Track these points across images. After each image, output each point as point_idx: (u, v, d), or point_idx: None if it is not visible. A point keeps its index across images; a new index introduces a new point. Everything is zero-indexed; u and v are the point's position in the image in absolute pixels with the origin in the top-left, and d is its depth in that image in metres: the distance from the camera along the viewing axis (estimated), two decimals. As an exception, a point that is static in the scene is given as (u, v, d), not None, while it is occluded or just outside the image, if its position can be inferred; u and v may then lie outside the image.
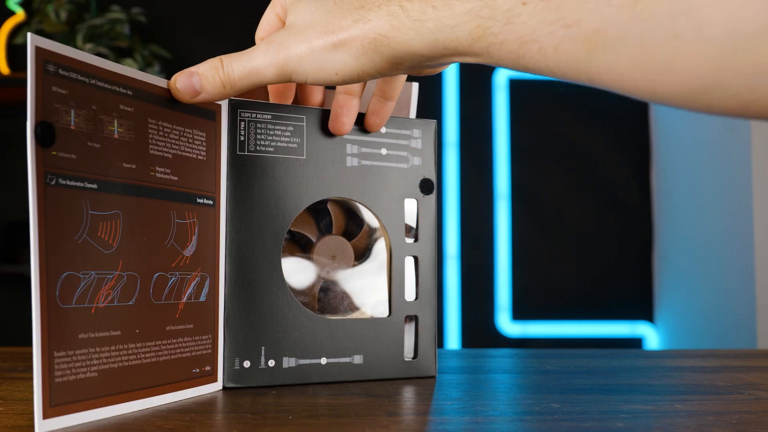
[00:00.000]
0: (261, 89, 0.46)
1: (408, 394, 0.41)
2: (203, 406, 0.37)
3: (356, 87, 0.43)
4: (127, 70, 0.36)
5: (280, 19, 0.40)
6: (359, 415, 0.35)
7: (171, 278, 0.38)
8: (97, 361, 0.33)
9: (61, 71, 0.32)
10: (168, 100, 0.39)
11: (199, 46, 2.00)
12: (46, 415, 0.30)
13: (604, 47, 0.28)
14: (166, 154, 0.38)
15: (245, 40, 0.43)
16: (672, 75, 0.27)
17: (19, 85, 1.87)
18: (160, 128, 0.38)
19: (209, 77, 0.38)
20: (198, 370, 0.40)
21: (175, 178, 0.39)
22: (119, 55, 1.82)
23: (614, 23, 0.27)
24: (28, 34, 0.31)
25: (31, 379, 0.45)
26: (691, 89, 0.27)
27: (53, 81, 0.32)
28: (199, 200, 0.41)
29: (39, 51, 0.31)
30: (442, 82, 2.04)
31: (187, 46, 1.99)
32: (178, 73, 0.39)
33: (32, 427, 0.32)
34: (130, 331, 0.36)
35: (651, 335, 2.00)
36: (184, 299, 0.39)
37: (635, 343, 2.02)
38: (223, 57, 0.38)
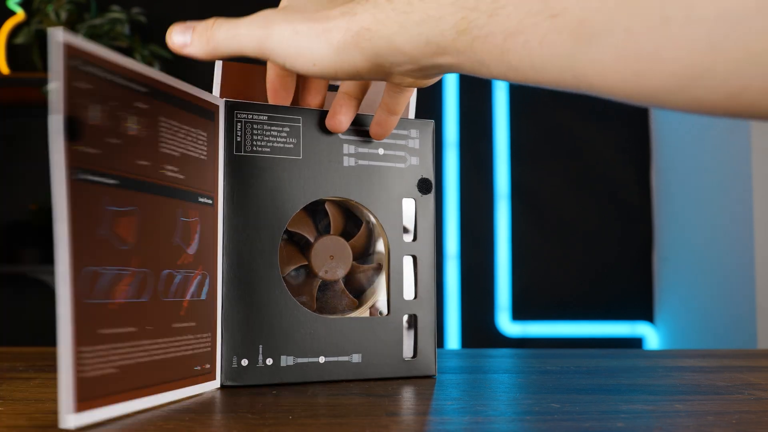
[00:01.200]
0: (259, 86, 0.46)
1: (408, 394, 0.41)
2: (203, 406, 0.37)
3: (357, 90, 0.43)
4: (144, 68, 0.37)
5: None
6: (359, 415, 0.35)
7: (177, 276, 0.39)
8: (115, 357, 0.33)
9: (86, 67, 0.32)
10: (179, 99, 0.39)
11: (199, 46, 1.99)
12: (76, 410, 0.30)
13: (590, 38, 0.27)
14: (174, 153, 0.39)
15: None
16: (659, 63, 0.26)
17: (19, 85, 1.87)
18: (170, 126, 0.38)
19: (199, 32, 0.38)
20: (199, 368, 0.40)
21: (182, 177, 0.39)
22: (119, 55, 1.82)
23: (602, 11, 0.27)
24: (53, 30, 0.31)
25: (31, 378, 0.45)
26: (679, 78, 0.26)
27: (79, 77, 0.32)
28: (200, 199, 0.41)
29: (67, 47, 0.31)
30: (442, 81, 2.04)
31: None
32: (178, 23, 0.39)
33: (32, 427, 0.32)
34: (144, 327, 0.36)
35: (651, 335, 2.00)
36: (188, 297, 0.40)
37: (635, 343, 2.02)
38: (219, 18, 0.38)
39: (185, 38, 0.39)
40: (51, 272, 1.82)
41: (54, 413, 0.35)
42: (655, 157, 2.04)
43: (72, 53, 0.31)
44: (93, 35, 1.76)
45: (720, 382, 0.46)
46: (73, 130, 0.31)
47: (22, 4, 1.92)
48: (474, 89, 2.05)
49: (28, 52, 1.91)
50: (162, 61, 1.89)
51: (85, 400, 0.31)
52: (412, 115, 0.50)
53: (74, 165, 0.31)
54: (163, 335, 0.37)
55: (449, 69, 0.34)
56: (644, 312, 2.03)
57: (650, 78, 0.27)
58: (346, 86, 0.43)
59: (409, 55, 0.34)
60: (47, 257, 1.87)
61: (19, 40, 1.83)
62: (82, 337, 0.31)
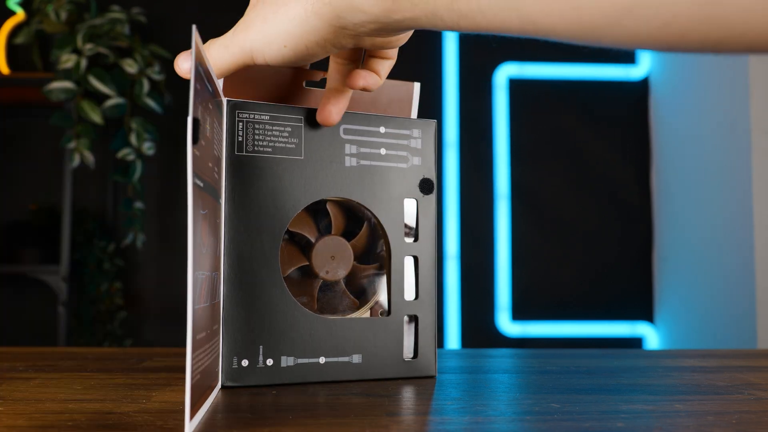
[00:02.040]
0: (261, 85, 0.46)
1: (408, 394, 0.41)
2: (203, 406, 0.37)
3: (342, 82, 0.43)
4: (210, 64, 0.36)
5: None
6: (359, 415, 0.35)
7: (215, 277, 0.39)
8: (199, 362, 0.33)
9: (198, 67, 0.32)
10: (219, 99, 0.39)
11: (199, 46, 1.99)
12: (191, 417, 0.30)
13: None
14: (217, 153, 0.39)
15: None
16: None
17: (19, 85, 1.87)
18: (215, 127, 0.38)
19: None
20: (217, 370, 0.40)
21: (217, 178, 0.39)
22: (119, 55, 1.82)
23: None
24: (194, 29, 0.30)
25: (31, 379, 0.45)
26: (614, 9, 0.27)
27: (197, 77, 0.31)
28: (219, 200, 0.41)
29: (198, 52, 0.31)
30: (442, 82, 2.04)
31: (187, 46, 1.97)
32: (182, 52, 0.40)
33: (32, 427, 0.32)
34: (209, 331, 0.36)
35: (651, 335, 2.00)
36: (218, 299, 0.40)
37: (635, 343, 2.02)
38: (213, 39, 0.39)
39: (183, 63, 0.39)
40: (51, 272, 1.82)
41: (53, 413, 0.35)
42: (655, 157, 2.04)
43: (197, 53, 0.31)
44: (93, 35, 1.76)
45: (720, 382, 0.46)
46: (196, 132, 0.31)
47: (22, 4, 1.92)
48: (474, 90, 2.05)
49: (28, 52, 1.91)
50: (162, 61, 1.89)
51: (192, 406, 0.30)
52: (414, 114, 0.50)
53: (193, 169, 0.30)
54: (211, 338, 0.37)
55: (409, 24, 0.35)
56: (644, 312, 2.03)
57: (588, 11, 0.28)
58: (330, 81, 0.44)
59: (369, 13, 0.34)
60: (47, 257, 1.87)
61: (19, 40, 1.83)
62: (193, 343, 0.30)
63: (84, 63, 1.72)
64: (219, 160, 0.40)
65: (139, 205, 1.83)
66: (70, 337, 1.84)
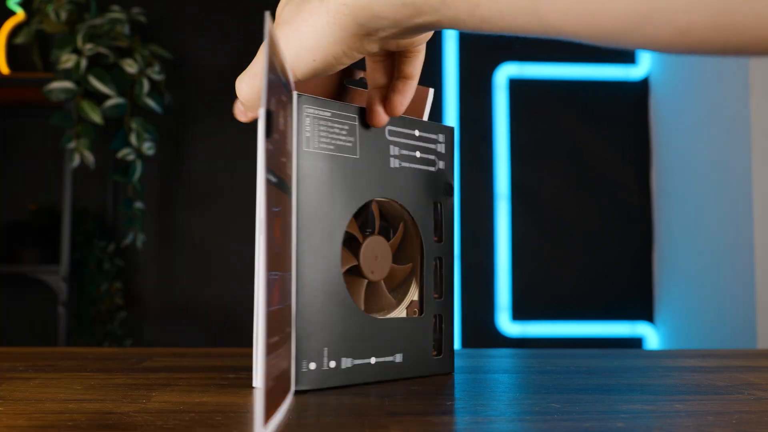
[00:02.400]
0: (315, 80, 0.45)
1: (408, 394, 0.41)
2: (203, 406, 0.37)
3: (385, 80, 0.43)
4: (280, 55, 0.34)
5: None
6: (359, 414, 0.35)
7: (287, 278, 0.36)
8: (273, 368, 0.31)
9: (273, 58, 0.30)
10: (292, 93, 0.38)
11: (199, 46, 2.00)
12: (264, 424, 0.27)
13: None
14: (290, 148, 0.37)
15: (245, 41, 0.43)
16: (609, 2, 0.27)
17: (19, 85, 1.87)
18: (288, 121, 0.37)
19: (237, 104, 0.41)
20: (290, 375, 0.38)
21: (290, 174, 0.37)
22: (119, 55, 1.82)
23: None
24: (267, 16, 0.29)
25: (31, 379, 0.45)
26: (629, 17, 0.27)
27: (271, 68, 0.30)
28: (291, 197, 0.39)
29: (272, 41, 0.29)
30: (442, 82, 2.04)
31: (187, 46, 1.99)
32: (237, 105, 0.41)
33: (32, 427, 0.32)
34: (282, 335, 0.33)
35: (651, 335, 2.00)
36: (289, 301, 0.37)
37: (635, 343, 2.02)
38: (242, 74, 0.39)
39: (241, 116, 0.41)
40: (51, 272, 1.82)
41: (53, 413, 0.35)
42: (655, 157, 2.04)
43: (271, 43, 0.29)
44: (93, 35, 1.76)
45: (720, 382, 0.46)
46: (269, 124, 0.29)
47: (22, 4, 1.91)
48: (474, 91, 2.05)
49: (28, 52, 1.91)
50: (162, 61, 1.89)
51: (267, 413, 0.28)
52: (425, 117, 0.50)
53: (267, 164, 0.28)
54: (284, 342, 0.35)
55: (431, 27, 0.35)
56: (644, 312, 2.03)
57: (604, 17, 0.28)
58: (372, 81, 0.44)
59: (389, 19, 0.35)
60: (47, 257, 1.87)
61: (19, 40, 1.82)
62: (267, 348, 0.28)
63: (84, 63, 1.72)
64: (291, 155, 0.39)
65: (139, 205, 1.83)
66: (70, 337, 1.84)
